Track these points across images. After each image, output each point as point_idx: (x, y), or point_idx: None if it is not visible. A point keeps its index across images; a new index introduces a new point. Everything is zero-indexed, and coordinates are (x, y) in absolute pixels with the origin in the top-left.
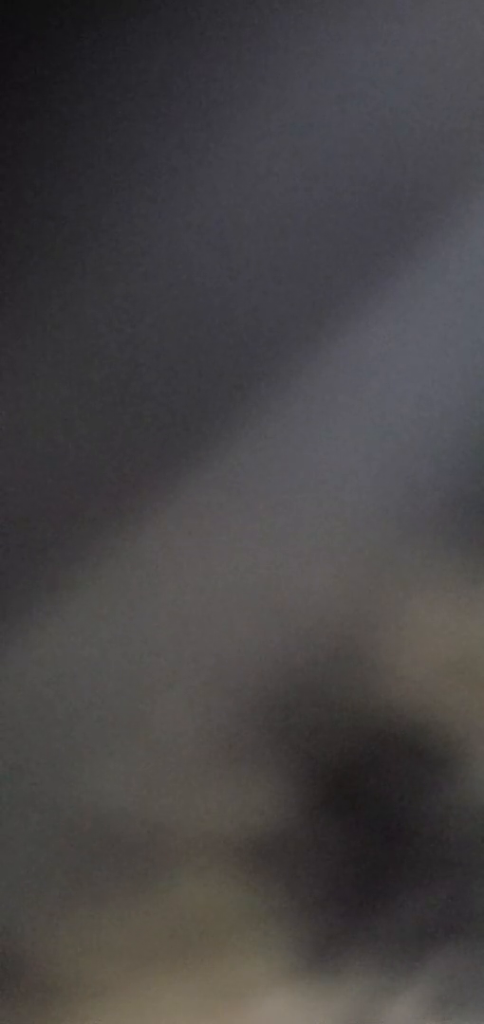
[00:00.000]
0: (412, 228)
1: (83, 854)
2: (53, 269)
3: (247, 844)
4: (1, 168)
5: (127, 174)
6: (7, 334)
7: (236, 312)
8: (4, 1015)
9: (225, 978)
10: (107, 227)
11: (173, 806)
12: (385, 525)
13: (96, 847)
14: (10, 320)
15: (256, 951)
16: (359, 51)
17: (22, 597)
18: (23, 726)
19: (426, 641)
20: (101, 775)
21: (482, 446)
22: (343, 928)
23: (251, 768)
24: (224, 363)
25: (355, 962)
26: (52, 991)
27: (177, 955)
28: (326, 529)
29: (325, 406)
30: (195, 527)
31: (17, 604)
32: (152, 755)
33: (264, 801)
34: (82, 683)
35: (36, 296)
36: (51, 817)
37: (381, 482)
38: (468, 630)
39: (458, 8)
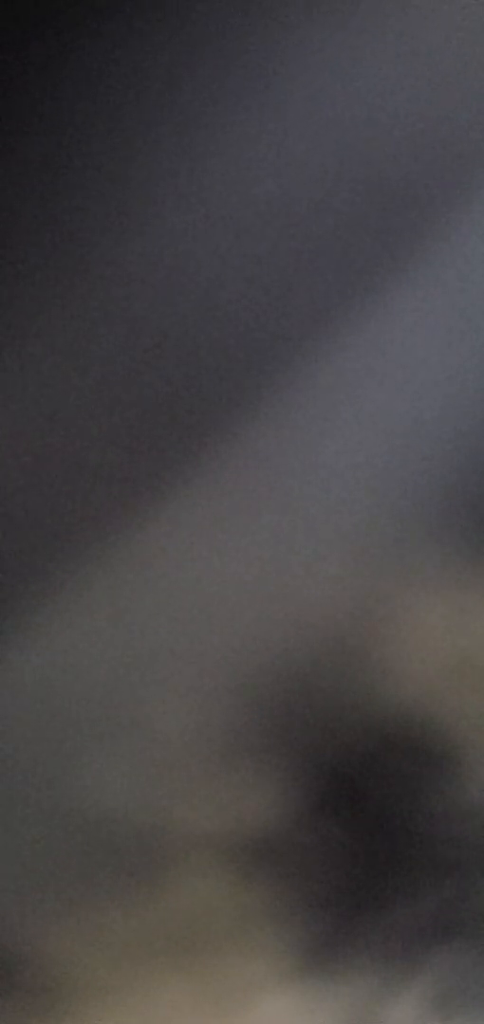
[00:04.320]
0: (412, 229)
1: (83, 854)
2: (53, 269)
3: (247, 844)
4: (1, 169)
5: (127, 174)
6: (7, 335)
7: (236, 313)
8: (4, 1015)
9: (225, 978)
10: (107, 228)
11: (173, 806)
12: (385, 525)
13: (96, 847)
14: (10, 321)
15: (256, 951)
16: (359, 51)
17: (22, 597)
18: (23, 726)
19: (426, 641)
20: (101, 775)
21: (482, 446)
22: (343, 928)
23: (251, 768)
24: (224, 364)
25: (355, 962)
26: (52, 991)
27: (177, 955)
28: (326, 530)
29: (325, 407)
30: (195, 527)
31: (17, 604)
32: (152, 755)
33: (264, 801)
34: (82, 683)
35: (36, 296)
36: (51, 817)
37: (381, 482)
38: (468, 630)
39: (458, 8)
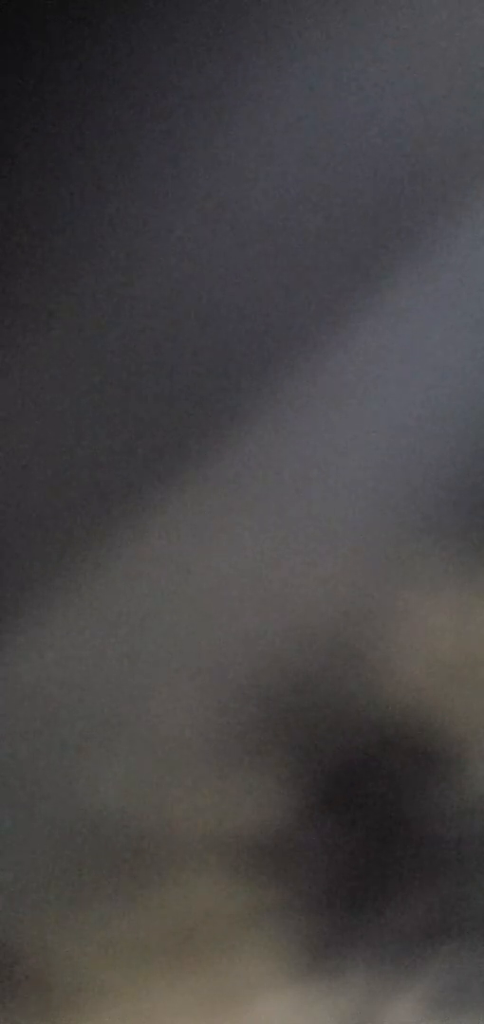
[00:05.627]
0: (412, 227)
1: (83, 854)
2: (53, 269)
3: (247, 844)
4: (1, 169)
5: (127, 174)
6: (8, 335)
7: (236, 311)
8: (4, 1015)
9: (225, 978)
10: (107, 227)
11: (173, 806)
12: (385, 524)
13: (96, 847)
14: (11, 321)
15: (256, 951)
16: (359, 51)
17: (22, 597)
18: (23, 726)
19: (426, 641)
20: (101, 775)
21: (482, 446)
22: (343, 928)
23: (251, 768)
24: (225, 362)
25: (355, 962)
26: (52, 991)
27: (177, 955)
28: (326, 529)
29: (325, 405)
30: (195, 527)
31: (17, 604)
32: (152, 755)
33: (264, 801)
34: (82, 683)
35: (36, 296)
36: (51, 817)
37: (381, 481)
38: (468, 630)
39: (458, 8)
